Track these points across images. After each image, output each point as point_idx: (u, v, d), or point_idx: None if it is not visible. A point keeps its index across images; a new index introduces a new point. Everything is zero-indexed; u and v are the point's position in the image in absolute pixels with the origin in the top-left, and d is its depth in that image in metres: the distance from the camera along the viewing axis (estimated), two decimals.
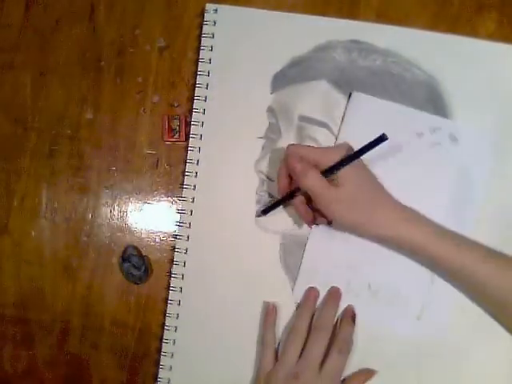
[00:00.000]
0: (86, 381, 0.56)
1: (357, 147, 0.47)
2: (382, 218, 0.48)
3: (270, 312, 0.53)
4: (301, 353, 0.50)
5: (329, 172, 0.48)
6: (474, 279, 0.48)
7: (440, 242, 0.48)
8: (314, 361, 0.49)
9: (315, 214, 0.52)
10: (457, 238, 0.49)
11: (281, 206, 0.53)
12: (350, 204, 0.47)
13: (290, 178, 0.51)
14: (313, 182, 0.47)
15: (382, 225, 0.48)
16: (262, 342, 0.52)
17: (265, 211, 0.53)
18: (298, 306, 0.53)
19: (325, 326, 0.51)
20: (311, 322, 0.52)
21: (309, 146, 0.52)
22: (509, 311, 0.48)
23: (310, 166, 0.47)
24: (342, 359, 0.49)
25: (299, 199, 0.51)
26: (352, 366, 0.52)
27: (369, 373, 0.52)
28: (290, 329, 0.51)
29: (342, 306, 0.53)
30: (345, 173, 0.47)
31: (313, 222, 0.52)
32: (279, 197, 0.53)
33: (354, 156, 0.47)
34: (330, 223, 0.52)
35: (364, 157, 0.47)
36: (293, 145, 0.51)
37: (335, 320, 0.52)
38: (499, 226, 0.52)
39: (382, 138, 0.45)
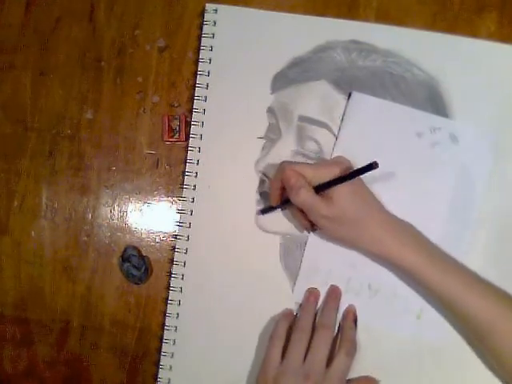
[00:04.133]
0: (85, 381, 0.56)
1: (356, 148, 0.47)
2: (372, 237, 0.49)
3: (288, 314, 0.53)
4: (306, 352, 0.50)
5: (321, 188, 0.48)
6: (456, 307, 0.48)
7: (429, 267, 0.47)
8: (321, 360, 0.49)
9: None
10: (446, 263, 0.49)
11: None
12: (340, 221, 0.48)
13: (283, 188, 0.50)
14: (303, 198, 0.47)
15: (371, 244, 0.49)
16: (272, 334, 0.51)
17: (263, 211, 0.54)
18: (300, 307, 0.53)
19: (329, 324, 0.51)
20: (314, 322, 0.52)
21: (302, 162, 0.52)
22: (489, 344, 0.47)
23: (303, 183, 0.47)
24: (348, 361, 0.49)
25: (295, 207, 0.51)
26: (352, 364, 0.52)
27: (371, 381, 0.52)
28: (294, 329, 0.51)
29: (343, 305, 0.53)
30: (338, 189, 0.47)
31: (312, 227, 0.52)
32: (273, 205, 0.53)
33: (344, 178, 0.47)
34: None
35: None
36: (286, 161, 0.50)
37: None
38: (499, 226, 0.52)
39: (372, 166, 0.44)
